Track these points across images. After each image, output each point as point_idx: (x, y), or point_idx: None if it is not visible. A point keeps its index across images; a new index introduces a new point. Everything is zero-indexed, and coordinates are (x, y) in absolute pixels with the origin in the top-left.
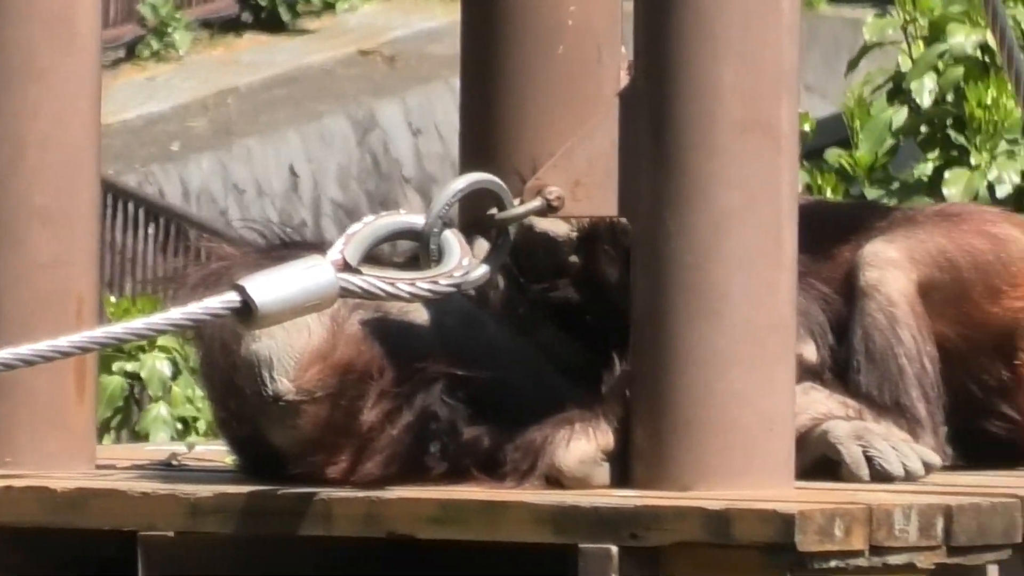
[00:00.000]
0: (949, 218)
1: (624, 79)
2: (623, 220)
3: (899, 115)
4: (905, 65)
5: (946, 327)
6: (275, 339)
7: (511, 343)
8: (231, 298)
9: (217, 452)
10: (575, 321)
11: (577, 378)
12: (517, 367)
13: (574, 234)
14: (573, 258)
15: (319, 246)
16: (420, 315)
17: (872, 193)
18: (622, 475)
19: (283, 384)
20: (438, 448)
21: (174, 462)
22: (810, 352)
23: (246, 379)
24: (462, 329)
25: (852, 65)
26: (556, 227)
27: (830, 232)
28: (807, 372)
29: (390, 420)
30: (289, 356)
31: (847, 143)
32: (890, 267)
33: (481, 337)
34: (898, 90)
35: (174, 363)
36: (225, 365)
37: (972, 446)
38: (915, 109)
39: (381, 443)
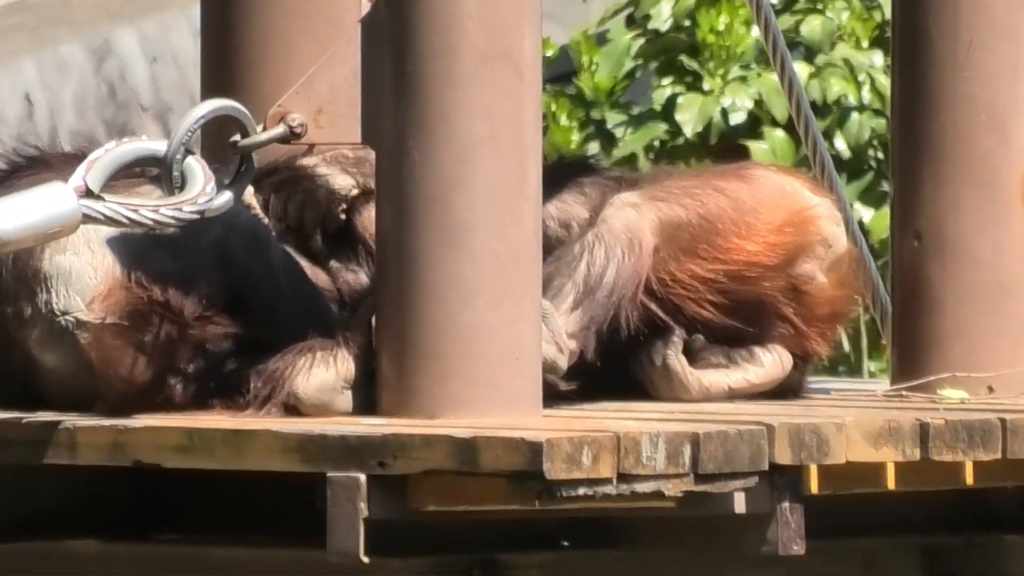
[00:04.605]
0: (702, 170)
1: (365, 6)
2: None
3: (637, 41)
4: None
5: (701, 265)
6: (79, 256)
7: (289, 263)
8: None
9: None
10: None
11: (345, 304)
12: (291, 290)
13: (355, 191)
14: (342, 214)
15: (66, 159)
16: (209, 232)
17: (612, 118)
18: (366, 404)
19: (75, 301)
20: (193, 378)
21: None
22: None
23: (39, 288)
24: (246, 247)
25: None
26: (339, 180)
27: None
28: None
29: (170, 356)
30: (90, 277)
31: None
32: (627, 207)
33: (262, 257)
34: (634, 17)
35: None
36: (19, 271)
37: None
38: (653, 35)
39: (152, 376)
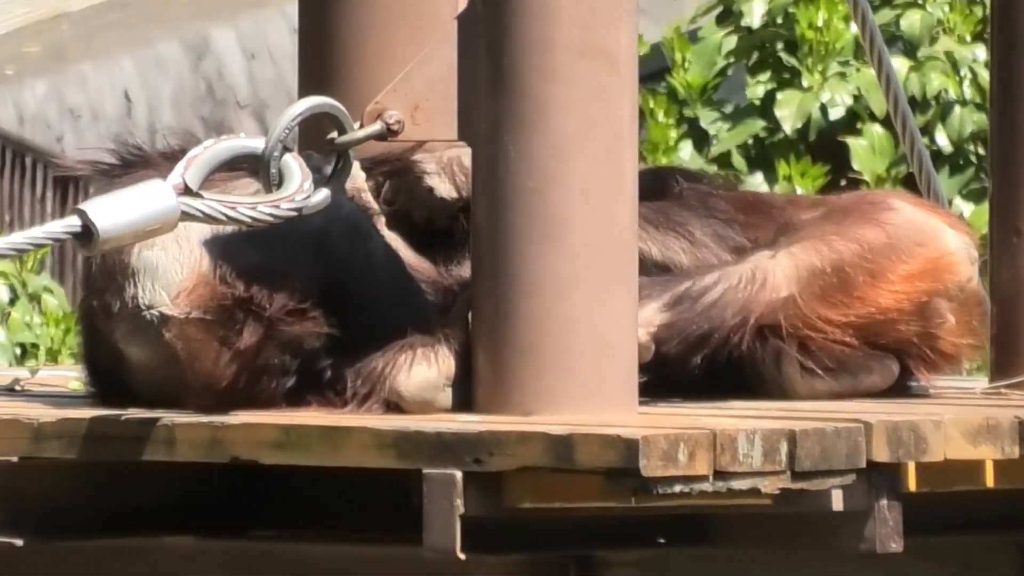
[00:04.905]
0: (834, 215)
1: (463, 2)
2: None
3: (730, 39)
4: None
5: (834, 311)
6: (167, 252)
7: (389, 259)
8: (72, 222)
9: (60, 377)
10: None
11: (450, 295)
12: (390, 284)
13: (459, 204)
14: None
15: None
16: (310, 223)
17: (705, 116)
18: (465, 400)
19: (160, 296)
20: (286, 374)
21: (17, 387)
22: None
23: (126, 282)
24: (347, 240)
25: None
26: (443, 189)
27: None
28: None
29: (257, 352)
30: (176, 272)
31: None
32: (764, 258)
33: (363, 250)
34: (728, 13)
35: (12, 289)
36: (107, 265)
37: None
38: (746, 32)
39: (240, 372)
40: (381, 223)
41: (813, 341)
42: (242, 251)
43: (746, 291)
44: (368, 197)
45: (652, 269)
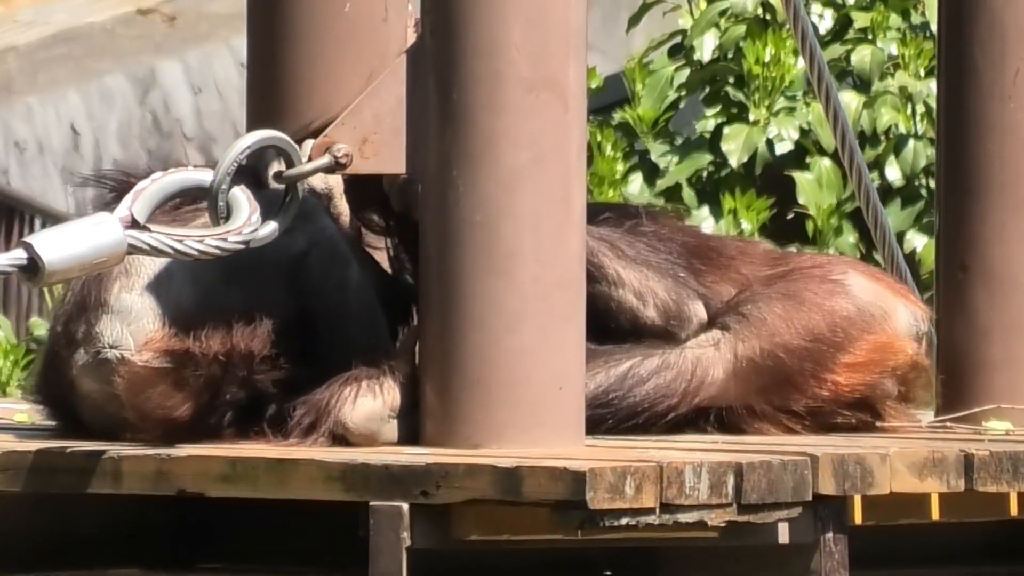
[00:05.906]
0: (788, 291)
1: (411, 37)
2: None
3: (682, 72)
4: (687, 23)
5: (774, 403)
6: (144, 298)
7: (363, 286)
8: (18, 255)
9: (6, 410)
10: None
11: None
12: (360, 311)
13: None
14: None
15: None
16: (294, 246)
17: (656, 148)
18: (411, 432)
19: (127, 340)
20: (234, 408)
21: None
22: (701, 311)
23: (97, 318)
24: (324, 264)
25: (634, 21)
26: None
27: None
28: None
29: (212, 395)
30: (148, 320)
31: (626, 102)
32: (708, 347)
33: (338, 275)
34: (679, 47)
35: None
36: (82, 297)
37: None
38: (697, 66)
39: (191, 413)
40: (357, 241)
41: (752, 426)
42: (219, 295)
43: (681, 388)
44: (346, 221)
45: (629, 297)
